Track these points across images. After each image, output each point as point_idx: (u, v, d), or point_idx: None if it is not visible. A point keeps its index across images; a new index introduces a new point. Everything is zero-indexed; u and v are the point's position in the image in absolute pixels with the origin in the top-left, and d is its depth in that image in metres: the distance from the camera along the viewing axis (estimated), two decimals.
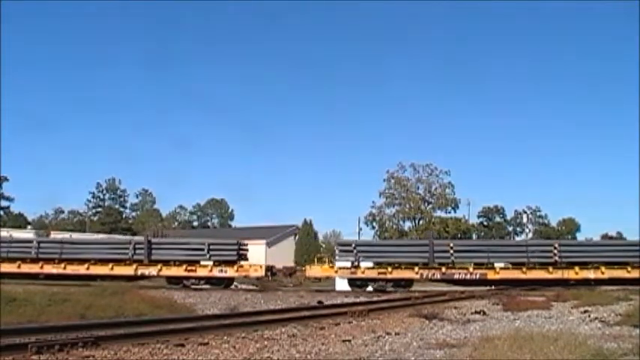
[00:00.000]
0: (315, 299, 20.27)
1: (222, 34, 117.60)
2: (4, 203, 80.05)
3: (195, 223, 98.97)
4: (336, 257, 28.34)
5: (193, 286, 26.24)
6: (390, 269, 26.46)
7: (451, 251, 26.70)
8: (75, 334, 9.46)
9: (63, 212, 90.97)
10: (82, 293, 17.89)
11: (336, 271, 27.76)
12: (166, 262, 27.65)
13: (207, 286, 26.28)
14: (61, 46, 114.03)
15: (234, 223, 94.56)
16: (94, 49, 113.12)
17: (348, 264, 27.51)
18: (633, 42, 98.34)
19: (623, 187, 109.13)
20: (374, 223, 63.93)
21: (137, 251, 27.88)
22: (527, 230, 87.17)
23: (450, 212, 64.24)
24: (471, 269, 26.42)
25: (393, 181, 63.86)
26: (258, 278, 29.16)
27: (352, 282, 27.15)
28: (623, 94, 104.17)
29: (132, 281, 25.82)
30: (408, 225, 64.37)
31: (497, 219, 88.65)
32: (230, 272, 27.38)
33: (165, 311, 15.12)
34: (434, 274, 26.44)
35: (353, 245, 28.19)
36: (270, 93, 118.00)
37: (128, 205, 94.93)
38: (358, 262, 27.02)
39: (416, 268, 26.39)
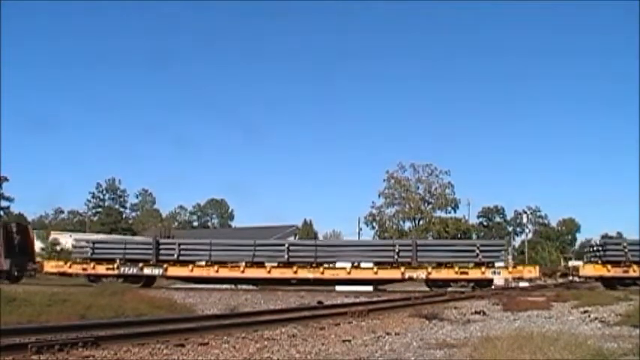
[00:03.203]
0: (315, 299, 20.26)
1: (223, 33, 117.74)
2: (4, 203, 79.90)
3: (195, 223, 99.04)
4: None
5: None
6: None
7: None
8: (75, 334, 9.45)
9: (63, 212, 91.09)
10: (82, 293, 17.90)
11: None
12: None
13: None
14: (61, 46, 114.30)
15: (234, 223, 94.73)
16: (94, 49, 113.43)
17: (349, 265, 27.52)
18: (633, 42, 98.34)
19: (623, 187, 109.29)
20: (374, 223, 63.97)
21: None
22: (527, 230, 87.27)
23: (450, 212, 64.32)
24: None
25: (392, 181, 63.86)
26: None
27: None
28: (624, 94, 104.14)
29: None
30: (408, 225, 64.42)
31: (497, 219, 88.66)
32: None
33: (165, 311, 15.11)
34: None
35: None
36: (270, 93, 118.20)
37: (128, 205, 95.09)
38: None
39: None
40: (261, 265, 28.00)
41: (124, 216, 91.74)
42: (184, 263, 28.48)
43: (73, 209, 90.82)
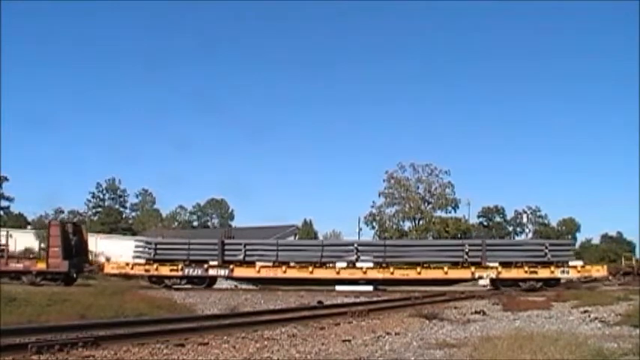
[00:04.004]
0: (315, 299, 20.27)
1: (223, 33, 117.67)
2: (4, 203, 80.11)
3: (196, 223, 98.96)
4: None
5: None
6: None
7: None
8: (75, 334, 9.46)
9: (63, 212, 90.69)
10: (82, 293, 17.93)
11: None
12: None
13: None
14: (61, 46, 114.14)
15: (234, 223, 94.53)
16: (94, 49, 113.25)
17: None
18: (633, 42, 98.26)
19: (623, 187, 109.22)
20: (374, 223, 63.88)
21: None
22: (527, 230, 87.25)
23: (450, 212, 64.24)
24: None
25: (392, 181, 63.81)
26: None
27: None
28: (624, 94, 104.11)
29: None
30: (408, 225, 64.36)
31: (497, 219, 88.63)
32: None
33: (165, 311, 15.12)
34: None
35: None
36: (270, 93, 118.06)
37: (128, 205, 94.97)
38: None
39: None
40: (329, 265, 27.59)
41: (123, 216, 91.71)
42: (250, 264, 28.06)
43: (73, 209, 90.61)
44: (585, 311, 14.97)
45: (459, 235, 60.40)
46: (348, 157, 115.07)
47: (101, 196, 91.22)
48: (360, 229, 64.19)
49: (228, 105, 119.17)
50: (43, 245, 34.01)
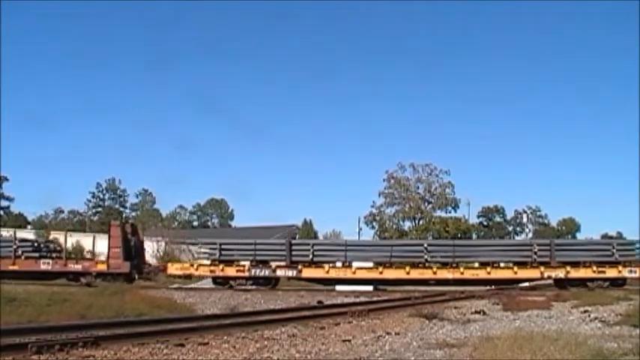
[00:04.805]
0: (315, 299, 20.27)
1: (223, 33, 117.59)
2: (4, 203, 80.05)
3: (196, 223, 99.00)
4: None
5: None
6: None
7: None
8: (75, 334, 9.46)
9: (63, 212, 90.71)
10: (82, 293, 17.95)
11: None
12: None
13: None
14: (60, 46, 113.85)
15: (234, 223, 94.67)
16: (94, 49, 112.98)
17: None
18: (633, 42, 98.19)
19: (623, 187, 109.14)
20: (374, 223, 63.85)
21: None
22: (527, 230, 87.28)
23: (450, 212, 64.21)
24: None
25: (392, 181, 63.79)
26: None
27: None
28: (623, 94, 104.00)
29: None
30: (408, 225, 64.34)
31: (497, 219, 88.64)
32: None
33: (165, 311, 15.13)
34: None
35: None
36: (270, 93, 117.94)
37: (128, 205, 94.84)
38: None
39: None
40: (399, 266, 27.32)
41: (124, 216, 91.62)
42: (319, 264, 27.73)
43: (73, 209, 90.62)
44: (585, 311, 14.97)
45: (459, 235, 60.41)
46: (347, 157, 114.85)
47: (101, 196, 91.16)
48: (360, 229, 64.22)
49: (228, 105, 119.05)
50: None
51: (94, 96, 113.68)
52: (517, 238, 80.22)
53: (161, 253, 40.69)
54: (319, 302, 18.99)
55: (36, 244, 30.41)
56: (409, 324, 12.90)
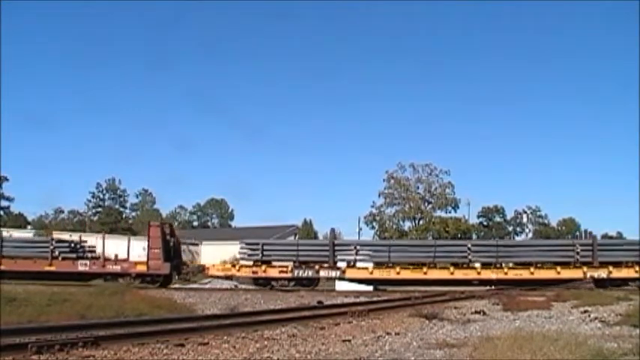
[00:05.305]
0: (315, 299, 20.27)
1: (223, 33, 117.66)
2: (4, 203, 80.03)
3: (195, 223, 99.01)
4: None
5: None
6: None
7: None
8: (75, 334, 9.46)
9: (63, 212, 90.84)
10: (82, 293, 17.92)
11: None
12: None
13: None
14: (61, 46, 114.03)
15: (234, 223, 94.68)
16: (94, 49, 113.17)
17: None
18: (633, 42, 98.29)
19: (623, 187, 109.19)
20: (374, 223, 63.88)
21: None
22: (527, 230, 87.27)
23: (450, 212, 64.25)
24: None
25: (392, 181, 63.80)
26: None
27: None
28: (623, 94, 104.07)
29: None
30: (408, 225, 64.36)
31: (497, 219, 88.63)
32: None
33: (165, 311, 15.12)
34: None
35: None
36: (270, 93, 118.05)
37: (128, 205, 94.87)
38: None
39: None
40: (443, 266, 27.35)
41: (124, 216, 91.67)
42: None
43: (73, 209, 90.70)
44: (585, 311, 14.97)
45: (459, 235, 60.44)
46: (347, 157, 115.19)
47: (101, 196, 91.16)
48: (360, 229, 64.21)
49: (228, 105, 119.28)
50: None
51: (94, 96, 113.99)
52: (517, 238, 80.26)
53: None
54: (319, 302, 18.99)
55: (72, 245, 30.00)
56: (409, 324, 12.89)
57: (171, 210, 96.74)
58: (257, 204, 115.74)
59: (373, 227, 64.03)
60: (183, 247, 41.99)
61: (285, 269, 27.26)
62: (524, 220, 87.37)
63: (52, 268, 28.09)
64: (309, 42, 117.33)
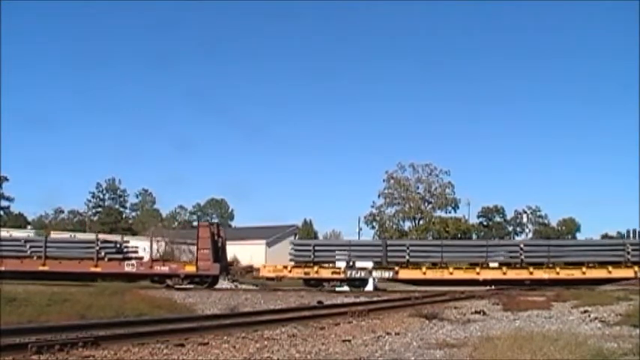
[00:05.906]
0: (315, 299, 20.28)
1: (223, 33, 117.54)
2: (4, 203, 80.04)
3: (195, 223, 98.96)
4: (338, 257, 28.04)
5: None
6: None
7: None
8: (75, 334, 9.46)
9: (63, 212, 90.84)
10: (82, 293, 17.91)
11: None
12: None
13: None
14: (60, 45, 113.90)
15: (234, 223, 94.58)
16: (94, 48, 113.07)
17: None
18: (633, 42, 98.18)
19: (623, 187, 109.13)
20: (374, 223, 63.91)
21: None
22: (527, 230, 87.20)
23: (450, 212, 64.28)
24: None
25: (392, 181, 63.83)
26: None
27: None
28: (623, 94, 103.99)
29: None
30: (408, 225, 64.39)
31: (497, 219, 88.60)
32: None
33: (165, 311, 15.13)
34: None
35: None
36: (270, 93, 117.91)
37: (128, 205, 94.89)
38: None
39: None
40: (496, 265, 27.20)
41: (124, 216, 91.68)
42: (415, 265, 27.60)
43: (73, 209, 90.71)
44: (585, 311, 14.97)
45: (459, 235, 60.47)
46: (347, 157, 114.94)
47: (101, 196, 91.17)
48: (360, 229, 64.23)
49: (228, 105, 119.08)
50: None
51: (94, 96, 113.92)
52: (517, 238, 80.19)
53: (161, 254, 40.64)
54: (319, 302, 19.00)
55: (118, 246, 29.71)
56: (409, 324, 12.90)
57: (171, 210, 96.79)
58: (257, 204, 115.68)
59: (373, 227, 64.10)
60: (183, 247, 42.07)
61: (337, 270, 27.26)
62: (524, 220, 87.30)
63: (98, 270, 27.67)
64: (309, 42, 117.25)
